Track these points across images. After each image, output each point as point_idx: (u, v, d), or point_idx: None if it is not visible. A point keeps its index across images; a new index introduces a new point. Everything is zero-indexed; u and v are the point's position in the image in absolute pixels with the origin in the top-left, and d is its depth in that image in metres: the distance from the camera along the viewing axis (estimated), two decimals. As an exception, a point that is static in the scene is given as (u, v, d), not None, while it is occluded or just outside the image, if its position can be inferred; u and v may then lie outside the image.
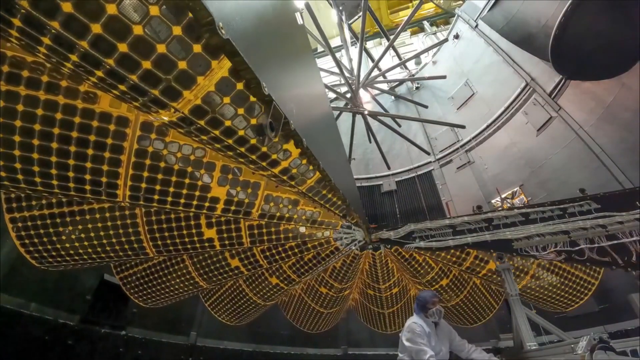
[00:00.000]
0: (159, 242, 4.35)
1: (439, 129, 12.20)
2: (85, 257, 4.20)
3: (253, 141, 2.35)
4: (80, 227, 3.92)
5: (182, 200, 3.42)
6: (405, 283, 8.02)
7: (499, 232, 5.00)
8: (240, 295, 6.86)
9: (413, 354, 3.62)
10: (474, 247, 5.03)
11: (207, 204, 3.61)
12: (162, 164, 3.03)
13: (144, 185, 3.11)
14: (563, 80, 8.12)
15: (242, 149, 2.40)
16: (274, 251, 5.66)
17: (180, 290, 5.80)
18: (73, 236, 3.94)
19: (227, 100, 1.92)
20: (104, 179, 2.91)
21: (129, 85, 1.64)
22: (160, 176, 3.11)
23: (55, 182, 2.81)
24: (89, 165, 2.77)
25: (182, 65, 1.63)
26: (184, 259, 5.46)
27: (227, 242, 4.76)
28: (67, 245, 4.01)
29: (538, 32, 7.23)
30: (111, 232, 4.05)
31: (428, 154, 12.00)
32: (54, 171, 2.73)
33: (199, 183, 3.37)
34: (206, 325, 8.87)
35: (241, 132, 2.22)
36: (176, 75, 1.66)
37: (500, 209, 8.62)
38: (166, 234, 4.32)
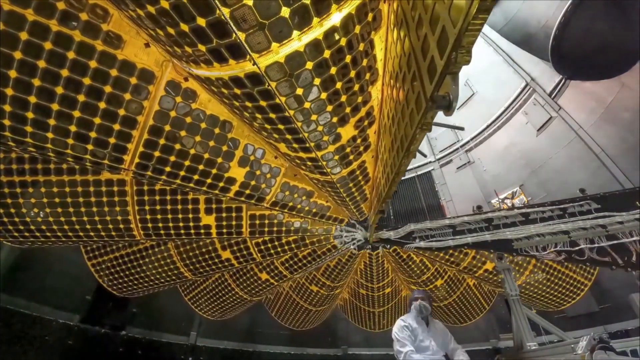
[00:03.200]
0: (149, 225, 4.13)
1: (438, 129, 12.56)
2: (59, 234, 3.87)
3: (314, 117, 2.34)
4: (57, 199, 3.58)
5: (196, 177, 3.28)
6: (398, 284, 8.45)
7: (499, 232, 5.17)
8: (225, 290, 6.83)
9: (396, 346, 3.92)
10: (474, 247, 5.23)
11: (221, 184, 3.50)
12: (183, 133, 2.87)
13: (157, 154, 2.90)
14: (563, 80, 8.62)
15: (299, 124, 2.37)
16: (269, 245, 5.67)
17: (162, 280, 5.62)
18: (47, 209, 3.60)
19: (309, 65, 1.89)
20: (112, 140, 2.65)
21: (212, 22, 1.50)
22: (177, 146, 2.93)
23: (50, 136, 2.47)
24: (97, 121, 2.48)
25: (285, 12, 1.55)
26: (169, 247, 5.34)
27: (225, 230, 4.67)
28: (39, 219, 3.68)
29: (538, 32, 7.62)
30: (94, 208, 3.75)
31: (425, 156, 12.30)
32: (52, 122, 2.40)
33: (219, 160, 3.25)
34: (206, 325, 9.23)
35: (307, 105, 2.20)
36: (274, 22, 1.56)
37: (500, 209, 8.93)
38: (159, 216, 4.10)
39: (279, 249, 5.79)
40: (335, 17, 1.71)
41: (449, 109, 1.19)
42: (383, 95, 2.87)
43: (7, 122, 2.33)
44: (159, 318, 8.29)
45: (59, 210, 3.64)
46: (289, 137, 2.61)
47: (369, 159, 3.75)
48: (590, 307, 7.16)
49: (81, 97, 2.34)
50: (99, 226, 3.89)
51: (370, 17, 1.98)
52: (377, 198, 4.07)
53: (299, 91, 2.07)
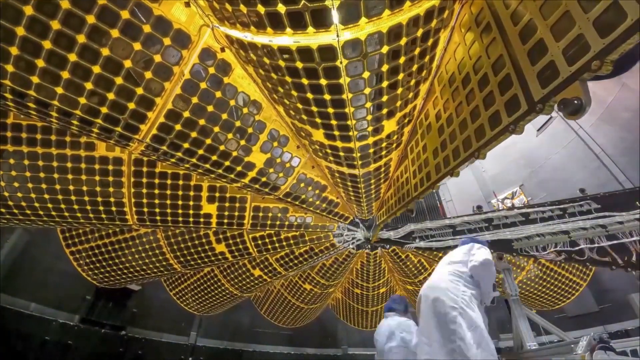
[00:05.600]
0: (145, 209, 4.01)
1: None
2: (40, 212, 3.65)
3: (368, 104, 2.37)
4: (42, 174, 3.37)
5: (214, 158, 3.20)
6: (393, 284, 8.86)
7: (499, 232, 5.27)
8: (215, 285, 6.88)
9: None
10: None
11: (238, 169, 3.46)
12: (210, 108, 2.77)
13: (178, 127, 2.77)
14: (563, 80, 8.98)
15: (352, 109, 2.40)
16: (267, 240, 5.72)
17: (148, 271, 5.56)
18: (30, 184, 3.39)
19: (385, 49, 1.87)
20: (131, 106, 2.47)
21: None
22: (202, 122, 2.82)
23: (60, 91, 2.25)
24: (119, 81, 2.30)
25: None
26: (158, 237, 5.22)
27: (226, 220, 4.65)
28: (19, 194, 3.46)
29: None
30: (84, 187, 3.55)
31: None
32: (65, 74, 2.17)
33: (242, 142, 3.20)
34: (206, 325, 9.74)
35: (367, 91, 2.23)
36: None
37: (500, 209, 9.29)
38: (156, 200, 3.98)
39: (276, 245, 5.84)
40: (424, 6, 1.78)
41: (577, 113, 1.28)
42: (431, 95, 3.00)
43: (10, 68, 2.06)
44: (159, 318, 8.76)
45: (43, 186, 3.43)
46: (333, 122, 2.62)
47: (395, 157, 3.88)
48: (590, 307, 7.63)
49: (105, 51, 2.14)
50: (88, 207, 3.71)
51: (446, 14, 2.06)
52: (399, 197, 4.19)
53: (366, 75, 2.08)
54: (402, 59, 2.10)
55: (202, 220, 4.46)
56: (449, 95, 2.64)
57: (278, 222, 5.16)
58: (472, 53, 2.18)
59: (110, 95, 2.37)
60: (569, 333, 5.29)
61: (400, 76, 2.28)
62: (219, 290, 6.93)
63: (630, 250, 4.30)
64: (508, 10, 1.74)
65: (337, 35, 1.74)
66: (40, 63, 2.10)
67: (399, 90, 2.46)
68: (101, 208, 3.77)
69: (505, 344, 8.76)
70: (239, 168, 3.45)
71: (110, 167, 3.55)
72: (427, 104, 3.16)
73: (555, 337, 4.90)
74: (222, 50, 2.52)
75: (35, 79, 2.17)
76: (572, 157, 8.55)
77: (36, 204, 3.55)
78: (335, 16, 1.63)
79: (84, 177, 3.48)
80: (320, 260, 6.92)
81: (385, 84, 2.24)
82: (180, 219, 4.30)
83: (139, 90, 2.42)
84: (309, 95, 2.37)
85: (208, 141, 2.99)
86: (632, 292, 6.95)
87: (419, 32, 1.97)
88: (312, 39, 1.80)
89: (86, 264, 5.32)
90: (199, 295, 7.07)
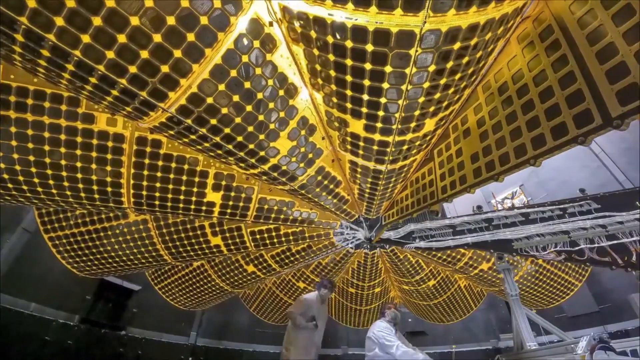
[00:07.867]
0: (144, 193, 3.86)
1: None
2: (24, 187, 3.46)
3: (421, 99, 2.40)
4: (30, 145, 3.13)
5: (240, 139, 3.09)
6: (388, 284, 9.20)
7: (499, 232, 5.44)
8: (205, 280, 6.87)
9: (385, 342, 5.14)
10: (474, 247, 5.61)
11: (262, 153, 3.39)
12: (247, 85, 2.65)
13: (210, 100, 2.63)
14: (563, 79, 9.39)
15: (406, 102, 2.43)
16: (265, 235, 5.75)
17: (135, 262, 5.42)
18: (15, 155, 3.17)
19: (457, 46, 1.92)
20: (165, 69, 2.29)
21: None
22: (236, 98, 2.70)
23: (86, 40, 2.01)
24: (157, 39, 2.10)
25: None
26: (149, 227, 5.04)
27: (229, 210, 4.58)
28: (2, 165, 3.26)
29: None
30: (78, 163, 3.36)
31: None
32: (97, 21, 1.94)
33: (271, 126, 3.11)
34: (206, 325, 10.18)
35: (425, 85, 2.25)
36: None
37: (500, 209, 9.55)
38: (157, 184, 3.84)
39: (275, 240, 5.89)
40: (501, 11, 1.86)
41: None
42: (472, 101, 3.15)
43: (32, 2, 1.81)
44: (159, 318, 9.11)
45: (31, 158, 3.20)
46: (380, 113, 2.62)
47: (419, 158, 3.98)
48: (590, 307, 8.00)
49: (148, 2, 1.97)
50: (80, 185, 3.53)
51: (510, 24, 2.16)
52: (417, 199, 4.29)
53: (431, 68, 2.10)
54: (465, 59, 2.17)
55: (204, 208, 4.39)
56: (498, 103, 2.83)
57: (282, 216, 5.19)
58: (533, 66, 2.38)
59: (144, 54, 2.16)
60: (568, 333, 5.56)
61: (457, 76, 2.35)
62: (209, 285, 6.97)
63: (630, 250, 4.54)
64: (584, 31, 1.91)
65: (424, 22, 1.74)
66: (70, 3, 1.85)
67: (450, 91, 2.52)
68: (95, 187, 3.60)
69: (505, 344, 9.09)
70: (262, 153, 3.38)
71: (110, 144, 3.36)
72: (464, 110, 3.31)
73: (555, 337, 5.12)
74: (270, 24, 2.43)
75: (59, 21, 1.90)
76: (572, 157, 8.98)
77: (20, 178, 3.32)
78: (430, 1, 1.65)
79: (78, 152, 3.27)
80: (317, 259, 7.01)
81: (443, 81, 2.28)
82: (180, 205, 4.20)
83: (177, 53, 2.24)
84: (366, 82, 2.34)
85: (238, 120, 2.88)
86: (632, 292, 7.36)
87: (487, 36, 2.06)
88: (396, 22, 1.78)
89: (66, 250, 5.05)
90: (187, 290, 7.09)
